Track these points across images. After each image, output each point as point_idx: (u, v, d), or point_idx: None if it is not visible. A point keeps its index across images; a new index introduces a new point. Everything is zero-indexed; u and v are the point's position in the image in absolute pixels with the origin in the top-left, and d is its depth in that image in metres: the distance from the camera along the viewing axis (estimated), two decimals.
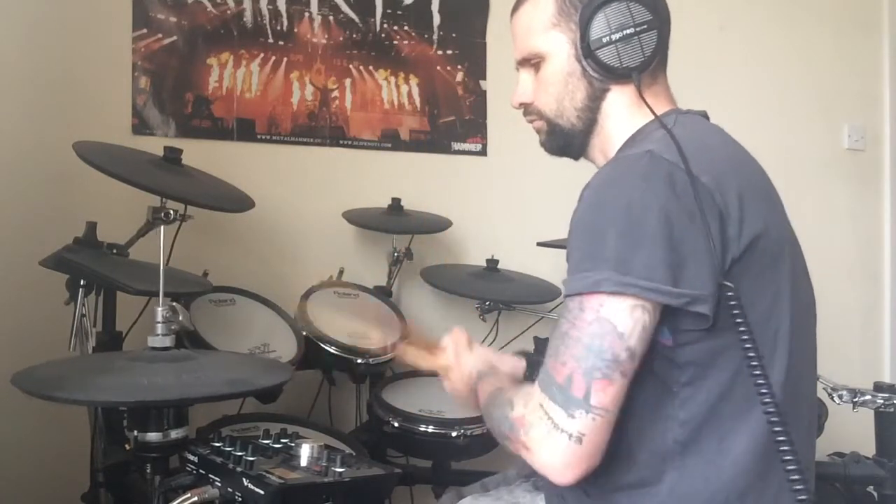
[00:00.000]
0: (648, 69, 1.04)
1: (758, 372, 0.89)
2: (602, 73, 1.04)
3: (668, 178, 0.89)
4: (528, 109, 1.14)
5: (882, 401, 1.63)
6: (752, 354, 0.89)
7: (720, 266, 0.89)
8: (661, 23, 1.03)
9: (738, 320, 0.89)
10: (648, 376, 0.91)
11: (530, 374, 1.28)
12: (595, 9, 1.02)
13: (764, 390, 0.88)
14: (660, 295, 0.86)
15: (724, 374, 0.91)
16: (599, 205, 0.91)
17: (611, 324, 0.86)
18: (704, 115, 1.11)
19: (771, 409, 0.88)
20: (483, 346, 1.28)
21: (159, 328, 1.35)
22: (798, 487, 0.87)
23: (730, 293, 0.89)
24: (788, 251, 1.00)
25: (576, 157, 1.15)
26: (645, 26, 1.02)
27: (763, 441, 0.91)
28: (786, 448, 0.87)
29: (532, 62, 1.11)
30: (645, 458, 0.92)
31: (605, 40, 1.02)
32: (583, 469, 0.87)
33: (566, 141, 1.12)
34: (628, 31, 1.01)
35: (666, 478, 0.92)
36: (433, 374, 1.27)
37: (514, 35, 1.13)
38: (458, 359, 1.19)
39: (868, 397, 1.64)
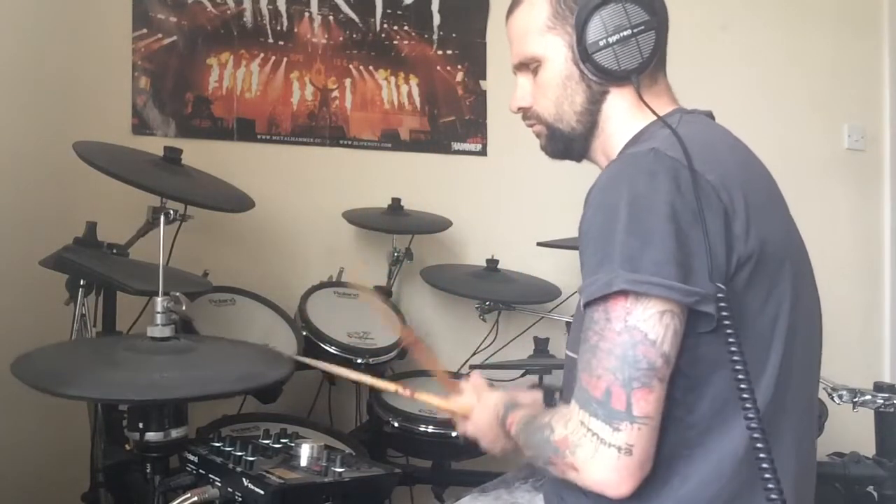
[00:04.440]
0: (647, 70, 1.03)
1: (741, 377, 0.86)
2: (600, 76, 1.03)
3: (672, 175, 0.88)
4: (527, 114, 1.13)
5: (882, 401, 1.63)
6: (736, 359, 0.86)
7: (724, 265, 0.88)
8: (658, 23, 1.02)
9: (727, 322, 0.86)
10: None
11: (547, 403, 1.26)
12: (591, 11, 1.00)
13: (746, 395, 0.85)
14: (671, 291, 0.84)
15: (727, 376, 0.90)
16: (605, 204, 0.90)
17: (641, 332, 0.85)
18: (710, 115, 1.10)
19: (751, 416, 0.85)
20: (499, 388, 1.25)
21: (159, 318, 1.33)
22: (773, 497, 0.83)
23: (720, 294, 0.87)
24: (793, 257, 0.98)
25: (577, 160, 1.14)
26: (642, 27, 1.00)
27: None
28: (763, 455, 0.84)
29: (530, 66, 1.10)
30: (653, 464, 0.90)
31: (601, 43, 1.00)
32: (638, 478, 0.86)
33: (567, 145, 1.11)
34: (625, 33, 1.00)
35: (670, 482, 0.91)
36: (432, 375, 1.27)
37: (511, 39, 1.12)
38: (481, 397, 1.15)
39: (868, 397, 1.64)
